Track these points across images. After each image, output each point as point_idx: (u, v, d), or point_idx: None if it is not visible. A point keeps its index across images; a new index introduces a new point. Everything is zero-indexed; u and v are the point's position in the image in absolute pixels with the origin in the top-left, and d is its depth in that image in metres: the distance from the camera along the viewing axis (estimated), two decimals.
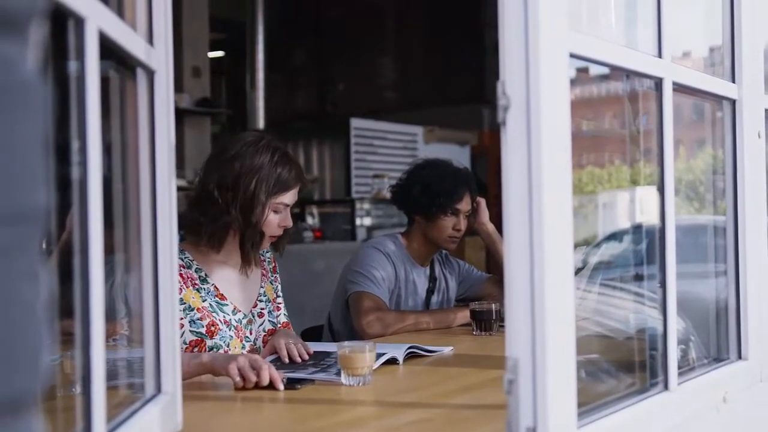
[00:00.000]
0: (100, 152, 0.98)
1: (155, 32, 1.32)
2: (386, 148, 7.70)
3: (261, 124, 7.55)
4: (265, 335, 2.30)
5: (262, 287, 2.36)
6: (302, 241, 6.13)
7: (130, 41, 1.19)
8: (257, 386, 1.80)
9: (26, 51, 0.62)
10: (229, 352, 2.15)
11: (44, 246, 0.72)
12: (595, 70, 1.48)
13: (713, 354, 1.83)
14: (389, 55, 9.25)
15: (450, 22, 8.50)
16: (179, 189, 1.53)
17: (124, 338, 1.51)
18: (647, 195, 1.66)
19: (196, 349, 2.13)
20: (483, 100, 7.96)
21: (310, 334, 3.02)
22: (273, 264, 2.44)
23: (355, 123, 7.60)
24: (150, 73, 1.31)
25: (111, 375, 1.06)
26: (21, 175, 0.62)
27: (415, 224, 2.99)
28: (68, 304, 0.97)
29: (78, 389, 1.20)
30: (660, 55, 1.49)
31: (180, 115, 6.55)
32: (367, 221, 7.05)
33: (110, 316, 1.18)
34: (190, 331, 2.14)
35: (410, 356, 2.18)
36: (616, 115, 1.87)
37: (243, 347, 2.23)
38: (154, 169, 1.32)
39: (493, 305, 2.64)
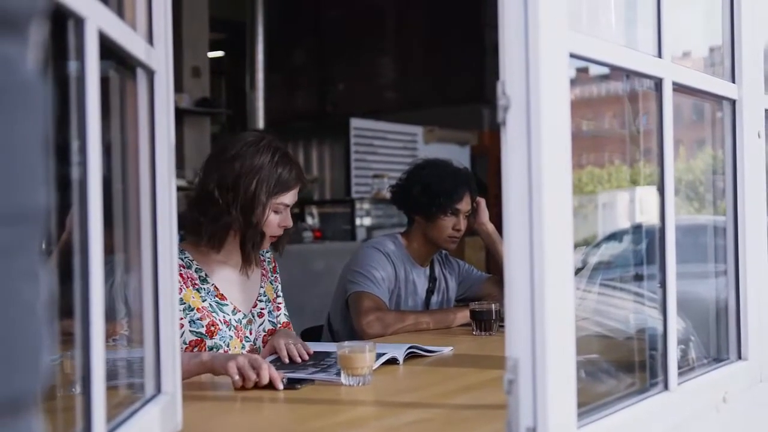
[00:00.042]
0: (100, 152, 0.98)
1: (155, 32, 1.32)
2: (386, 148, 7.70)
3: (261, 124, 7.55)
4: (265, 335, 2.30)
5: (262, 287, 2.36)
6: (302, 241, 6.13)
7: (130, 41, 1.19)
8: (257, 386, 1.80)
9: (26, 51, 0.63)
10: (229, 352, 2.15)
11: (44, 246, 0.72)
12: (595, 70, 1.48)
13: (713, 354, 1.83)
14: (389, 55, 9.25)
15: (450, 22, 8.50)
16: (179, 189, 1.53)
17: (124, 338, 1.51)
18: (647, 195, 1.66)
19: (195, 349, 2.13)
20: (483, 100, 7.96)
21: (310, 334, 3.02)
22: (273, 264, 2.44)
23: (355, 123, 7.60)
24: (150, 73, 1.31)
25: (111, 375, 1.06)
26: (21, 175, 0.62)
27: (414, 224, 2.99)
28: (68, 304, 0.97)
29: (78, 389, 1.20)
30: (660, 55, 1.49)
31: (180, 115, 6.55)
32: (367, 221, 7.05)
33: (110, 316, 1.18)
34: (190, 331, 2.14)
35: (410, 356, 2.18)
36: (616, 115, 1.87)
37: (243, 347, 2.23)
38: (154, 169, 1.32)
39: (493, 305, 2.64)
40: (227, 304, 2.23)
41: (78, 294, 0.97)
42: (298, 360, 2.07)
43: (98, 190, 0.97)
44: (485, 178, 6.98)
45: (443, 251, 3.09)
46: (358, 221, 6.98)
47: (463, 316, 2.78)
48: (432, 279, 3.05)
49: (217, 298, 2.22)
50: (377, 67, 9.23)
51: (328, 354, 2.12)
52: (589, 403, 1.27)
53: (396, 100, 9.04)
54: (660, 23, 1.49)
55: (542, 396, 1.11)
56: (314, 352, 2.14)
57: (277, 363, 2.03)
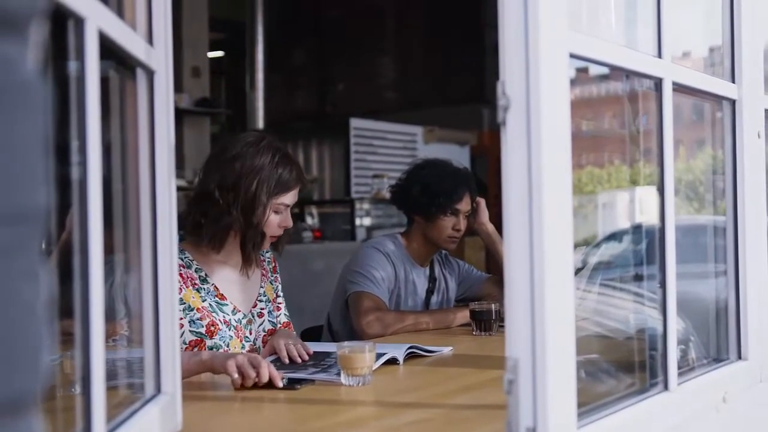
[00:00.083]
0: (99, 152, 0.98)
1: (155, 32, 1.32)
2: (386, 148, 7.70)
3: (261, 124, 7.55)
4: (264, 335, 2.30)
5: (262, 287, 2.36)
6: (302, 241, 6.13)
7: (130, 41, 1.19)
8: (256, 386, 1.80)
9: (26, 51, 0.63)
10: (229, 352, 2.15)
11: (44, 246, 0.72)
12: (595, 70, 1.48)
13: (713, 354, 1.83)
14: (389, 55, 9.25)
15: (450, 22, 8.51)
16: (179, 189, 1.53)
17: (123, 338, 1.51)
18: (647, 195, 1.66)
19: (195, 349, 2.13)
20: (483, 100, 7.96)
21: (310, 334, 3.02)
22: (273, 264, 2.44)
23: (355, 123, 7.60)
24: (150, 73, 1.31)
25: (111, 375, 1.06)
26: (21, 175, 0.62)
27: (414, 224, 2.99)
28: (68, 304, 0.97)
29: (78, 389, 1.20)
30: (660, 56, 1.49)
31: (179, 115, 6.55)
32: (367, 221, 7.05)
33: (110, 316, 1.18)
34: (190, 331, 2.14)
35: (410, 356, 2.18)
36: (616, 115, 1.87)
37: (243, 347, 2.23)
38: (154, 169, 1.32)
39: (493, 305, 2.64)
40: (227, 304, 2.23)
41: (78, 294, 0.97)
42: (298, 360, 2.07)
43: (98, 190, 0.97)
44: (485, 178, 6.98)
45: (443, 251, 3.09)
46: (357, 221, 6.98)
47: (463, 316, 2.78)
48: (432, 279, 3.05)
49: (217, 298, 2.22)
50: (377, 67, 9.23)
51: (328, 354, 2.12)
52: (589, 403, 1.27)
53: (396, 100, 9.04)
54: (660, 23, 1.49)
55: (542, 396, 1.11)
56: (314, 352, 2.14)
57: (277, 363, 2.03)
